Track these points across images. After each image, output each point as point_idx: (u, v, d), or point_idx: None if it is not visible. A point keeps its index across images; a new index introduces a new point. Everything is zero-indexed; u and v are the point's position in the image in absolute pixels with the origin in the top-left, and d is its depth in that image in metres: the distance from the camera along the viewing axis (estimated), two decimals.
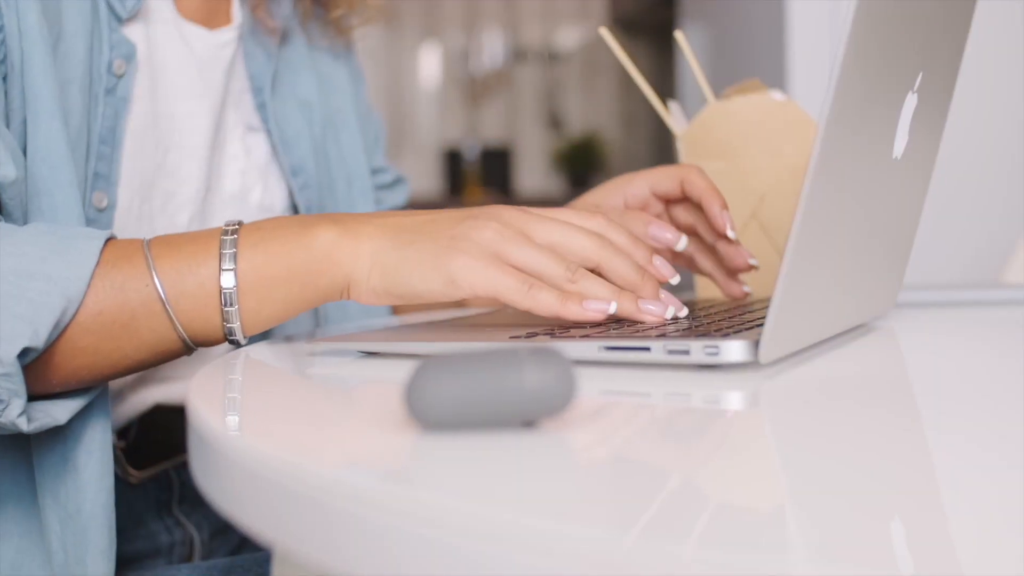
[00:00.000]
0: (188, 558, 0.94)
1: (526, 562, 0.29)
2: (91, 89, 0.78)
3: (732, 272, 0.85)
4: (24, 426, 0.64)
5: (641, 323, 0.66)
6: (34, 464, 0.73)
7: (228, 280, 0.65)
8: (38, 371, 0.64)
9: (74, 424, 0.71)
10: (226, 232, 0.66)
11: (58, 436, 0.72)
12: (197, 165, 0.88)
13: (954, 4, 0.68)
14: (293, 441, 0.45)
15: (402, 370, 0.50)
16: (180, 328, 0.66)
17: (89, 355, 0.65)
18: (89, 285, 0.64)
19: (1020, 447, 0.40)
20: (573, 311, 0.64)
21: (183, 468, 0.93)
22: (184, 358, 0.91)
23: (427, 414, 0.41)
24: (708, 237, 0.84)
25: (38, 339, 0.61)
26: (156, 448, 0.91)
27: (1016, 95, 2.09)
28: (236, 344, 0.68)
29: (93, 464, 0.72)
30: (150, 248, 0.66)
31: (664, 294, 0.68)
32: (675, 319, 0.67)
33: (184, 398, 0.87)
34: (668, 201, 0.86)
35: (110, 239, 0.67)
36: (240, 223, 0.68)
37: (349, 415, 0.53)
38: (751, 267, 0.82)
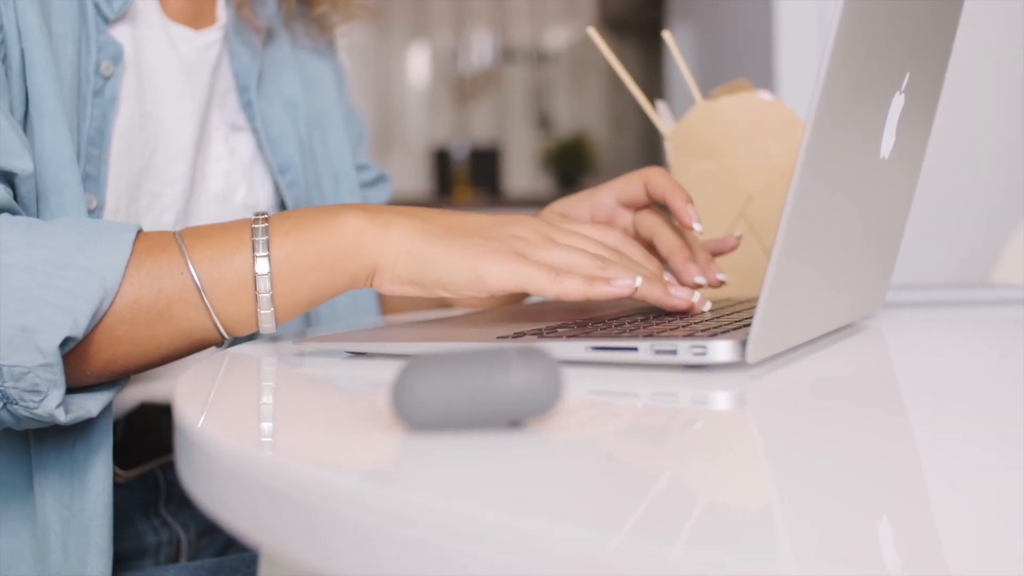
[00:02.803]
0: (175, 558, 0.94)
1: (512, 562, 0.29)
2: (79, 91, 0.78)
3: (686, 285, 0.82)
4: (62, 417, 0.64)
5: (673, 315, 0.68)
6: (33, 465, 0.72)
7: (263, 266, 0.66)
8: (74, 361, 0.64)
9: (84, 422, 0.71)
10: (256, 221, 0.67)
11: (64, 436, 0.72)
12: (183, 166, 0.88)
13: (941, 4, 0.68)
14: (279, 442, 0.45)
15: (389, 370, 0.50)
16: (215, 316, 0.66)
17: (124, 344, 0.65)
18: (124, 275, 0.64)
19: (1009, 446, 0.40)
20: (601, 290, 0.65)
21: (170, 468, 0.93)
22: None
23: (413, 414, 0.41)
24: (664, 250, 0.81)
25: (78, 329, 0.62)
26: (143, 448, 0.91)
27: (1003, 95, 2.10)
28: (269, 331, 0.68)
29: (99, 463, 0.72)
30: (183, 238, 0.67)
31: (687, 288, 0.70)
32: (701, 312, 0.69)
33: (169, 397, 0.87)
34: (635, 207, 0.85)
35: (140, 231, 0.67)
36: (267, 214, 0.68)
37: (335, 415, 0.53)
38: (698, 286, 0.78)
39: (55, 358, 0.61)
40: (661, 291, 0.67)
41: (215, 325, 0.67)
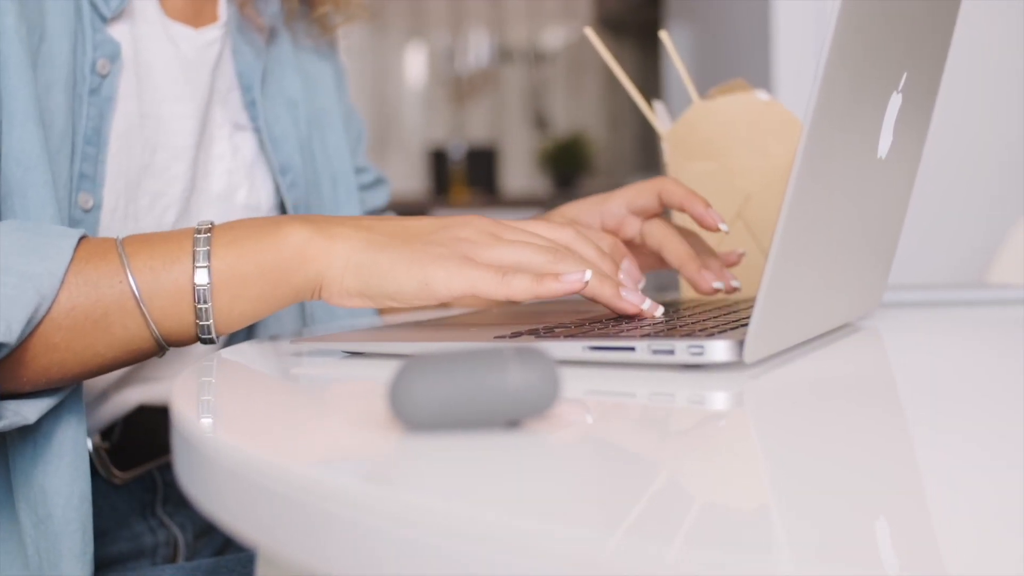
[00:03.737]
0: (172, 559, 0.93)
1: (510, 562, 0.29)
2: (75, 90, 0.77)
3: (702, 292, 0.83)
4: None
5: (621, 317, 0.67)
6: (9, 467, 0.72)
7: (202, 277, 0.65)
8: (9, 368, 0.64)
9: (45, 427, 0.71)
10: (199, 231, 0.67)
11: (28, 439, 0.71)
12: (184, 165, 0.88)
13: (939, 4, 0.68)
14: (277, 442, 0.45)
15: (386, 370, 0.50)
16: (153, 326, 0.66)
17: (61, 352, 0.65)
18: (63, 282, 0.63)
19: (1007, 446, 0.40)
20: (551, 287, 0.64)
21: (167, 469, 0.93)
22: (168, 359, 0.91)
23: (411, 414, 0.41)
24: (674, 259, 0.81)
25: (11, 335, 0.61)
26: (140, 449, 0.91)
27: (1000, 94, 2.10)
28: (209, 343, 0.67)
29: (64, 469, 0.71)
30: (124, 246, 0.66)
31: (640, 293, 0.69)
32: (652, 318, 0.67)
33: (168, 399, 0.87)
34: (646, 216, 0.85)
35: (83, 237, 0.66)
36: (212, 223, 0.68)
37: (333, 415, 0.53)
38: (717, 290, 0.79)
39: None
40: (611, 291, 0.66)
41: (153, 335, 0.66)
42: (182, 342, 0.68)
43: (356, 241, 0.66)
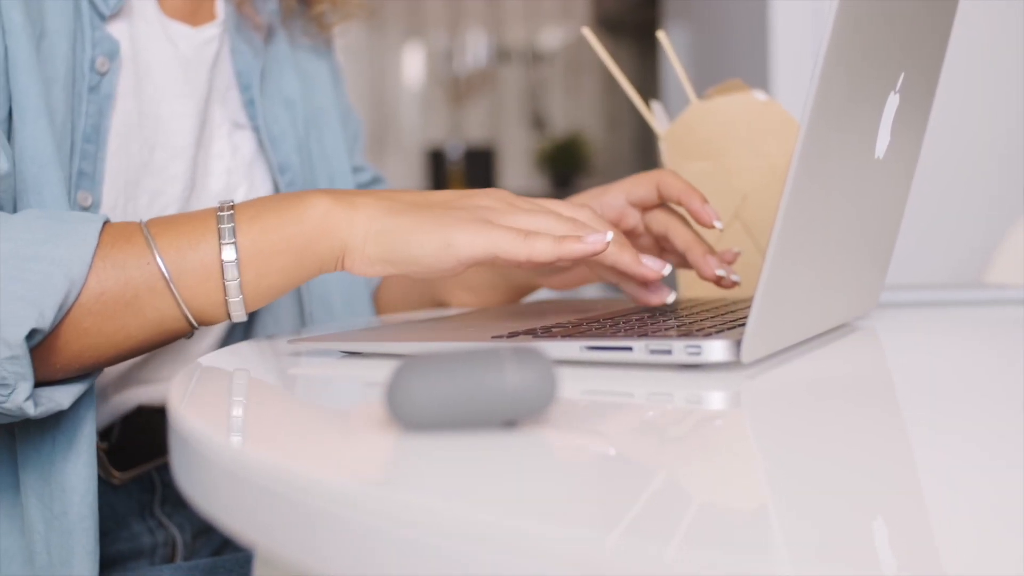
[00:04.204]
0: (171, 559, 0.93)
1: (508, 562, 0.29)
2: (74, 87, 0.77)
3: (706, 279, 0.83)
4: (31, 411, 0.63)
5: (664, 315, 0.68)
6: (19, 463, 0.72)
7: (229, 253, 0.66)
8: (42, 355, 0.64)
9: (64, 423, 0.71)
10: (221, 209, 0.67)
11: (47, 435, 0.71)
12: (183, 164, 0.88)
13: (936, 4, 0.68)
14: (274, 442, 0.45)
15: (384, 370, 0.50)
16: (184, 305, 0.66)
17: (92, 336, 0.65)
18: (90, 266, 0.64)
19: (1005, 446, 0.40)
20: (572, 248, 0.64)
21: (165, 469, 0.93)
22: (168, 360, 0.91)
23: (408, 414, 0.41)
24: (680, 245, 0.82)
25: (44, 321, 0.61)
26: (139, 449, 0.91)
27: (998, 94, 2.10)
28: (239, 319, 0.68)
29: (81, 466, 0.72)
30: (148, 228, 0.66)
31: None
32: (663, 305, 0.70)
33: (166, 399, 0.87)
34: (645, 208, 0.85)
35: (106, 222, 0.67)
36: (232, 201, 0.68)
37: (330, 416, 0.53)
38: (720, 278, 0.80)
39: (22, 350, 0.61)
40: (631, 257, 0.67)
41: (184, 315, 0.66)
42: (212, 320, 0.68)
43: (377, 209, 0.67)
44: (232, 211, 0.67)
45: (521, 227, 0.66)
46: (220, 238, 0.66)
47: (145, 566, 0.91)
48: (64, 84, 0.76)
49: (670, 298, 0.73)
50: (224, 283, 0.66)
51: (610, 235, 0.65)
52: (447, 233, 0.65)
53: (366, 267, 0.67)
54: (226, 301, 0.66)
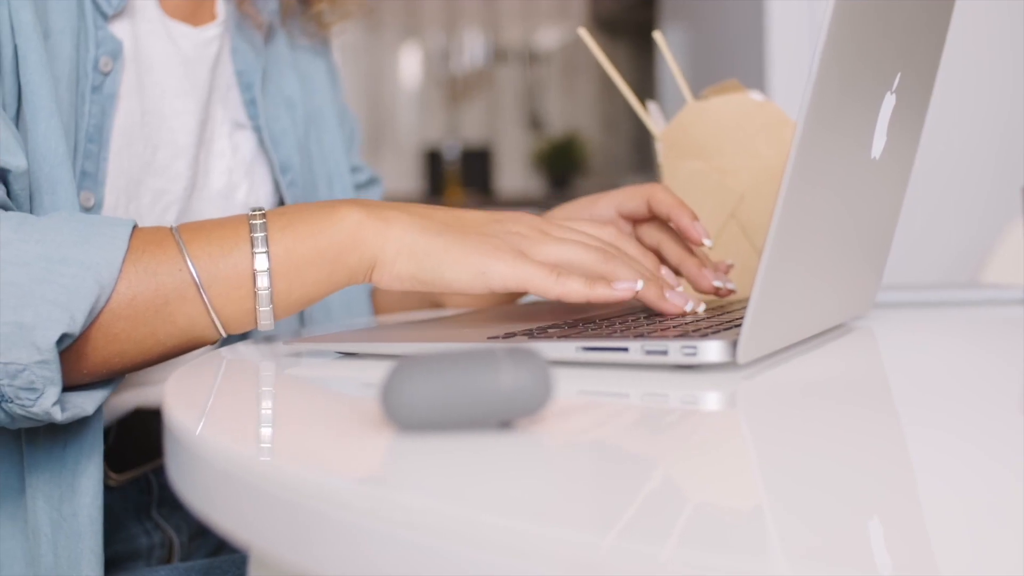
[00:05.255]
0: (167, 560, 0.93)
1: (503, 563, 0.29)
2: (78, 87, 0.77)
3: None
4: (58, 416, 0.63)
5: (664, 315, 0.68)
6: (26, 466, 0.72)
7: (262, 263, 0.65)
8: (70, 359, 0.63)
9: (72, 426, 0.71)
10: (253, 217, 0.66)
11: (55, 438, 0.71)
12: (185, 163, 0.88)
13: (933, 5, 0.68)
14: (269, 443, 0.45)
15: (379, 371, 0.49)
16: (214, 313, 0.65)
17: (121, 342, 0.65)
18: (121, 271, 0.63)
19: (1000, 446, 0.40)
20: (602, 293, 0.65)
21: (162, 471, 0.93)
22: (167, 363, 0.91)
23: (403, 415, 0.41)
24: (673, 259, 0.82)
25: (75, 325, 0.60)
26: (135, 451, 0.91)
27: (994, 95, 2.11)
28: (267, 328, 0.67)
29: (92, 467, 0.72)
30: (180, 234, 0.66)
31: (682, 292, 0.70)
32: (695, 313, 0.69)
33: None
34: (635, 221, 0.85)
35: (135, 226, 0.66)
36: (263, 209, 0.68)
37: (325, 416, 0.53)
38: (717, 289, 0.80)
39: (52, 355, 0.60)
40: (656, 294, 0.67)
41: (213, 322, 0.66)
42: (240, 328, 0.67)
43: (410, 225, 0.67)
44: (264, 219, 0.66)
45: (553, 258, 0.67)
46: (252, 246, 0.65)
47: (142, 567, 0.91)
48: (68, 84, 0.76)
49: (689, 306, 0.71)
50: (256, 292, 0.65)
51: (640, 283, 0.66)
52: (482, 261, 0.65)
53: (394, 282, 0.67)
54: (256, 310, 0.66)
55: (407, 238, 0.66)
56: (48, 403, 0.62)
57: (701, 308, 0.70)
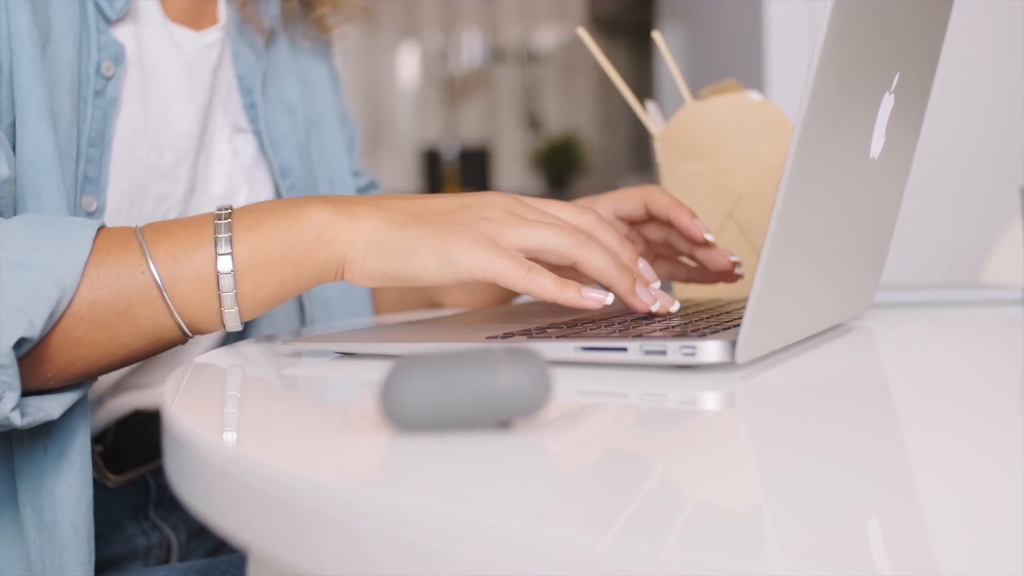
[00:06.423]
0: (165, 561, 0.93)
1: (502, 563, 0.29)
2: (80, 92, 0.77)
3: (716, 277, 0.84)
4: (17, 421, 0.62)
5: (612, 317, 0.67)
6: (15, 472, 0.71)
7: (225, 264, 0.64)
8: (32, 364, 0.63)
9: (53, 433, 0.70)
10: (219, 216, 0.65)
11: (39, 445, 0.70)
12: (187, 167, 0.87)
13: (931, 5, 0.68)
14: (267, 443, 0.45)
15: (378, 371, 0.49)
16: (177, 315, 0.65)
17: (84, 346, 0.64)
18: (83, 274, 0.62)
19: (999, 446, 0.40)
20: (570, 297, 0.64)
21: (160, 472, 0.92)
22: (166, 364, 0.91)
23: (402, 415, 0.41)
24: (683, 247, 0.84)
25: (33, 329, 0.60)
26: (134, 453, 0.91)
27: (993, 95, 2.11)
28: (234, 329, 0.67)
29: (74, 475, 0.70)
30: (143, 235, 0.65)
31: (655, 290, 0.68)
32: (667, 314, 0.68)
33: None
34: (633, 223, 0.85)
35: (102, 228, 0.65)
36: (231, 207, 0.67)
37: (324, 416, 0.53)
38: (735, 264, 0.81)
39: (9, 359, 0.59)
40: (627, 287, 0.66)
41: (178, 324, 0.65)
42: (207, 329, 0.67)
43: (378, 220, 0.66)
44: (230, 219, 0.65)
45: (526, 244, 0.65)
46: (216, 247, 0.64)
47: (140, 568, 0.91)
48: (69, 89, 0.75)
49: (656, 306, 0.70)
50: (220, 294, 0.65)
51: (610, 298, 0.64)
52: (450, 252, 0.63)
53: (366, 280, 0.66)
54: (221, 311, 0.65)
55: (375, 235, 0.65)
56: (7, 408, 0.61)
57: (675, 307, 0.68)
